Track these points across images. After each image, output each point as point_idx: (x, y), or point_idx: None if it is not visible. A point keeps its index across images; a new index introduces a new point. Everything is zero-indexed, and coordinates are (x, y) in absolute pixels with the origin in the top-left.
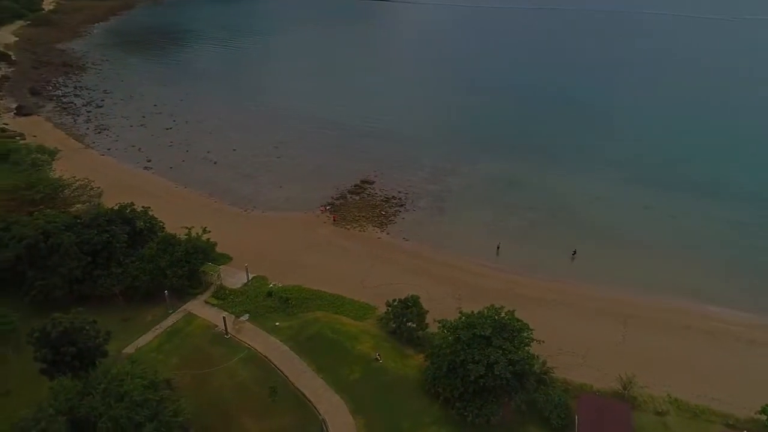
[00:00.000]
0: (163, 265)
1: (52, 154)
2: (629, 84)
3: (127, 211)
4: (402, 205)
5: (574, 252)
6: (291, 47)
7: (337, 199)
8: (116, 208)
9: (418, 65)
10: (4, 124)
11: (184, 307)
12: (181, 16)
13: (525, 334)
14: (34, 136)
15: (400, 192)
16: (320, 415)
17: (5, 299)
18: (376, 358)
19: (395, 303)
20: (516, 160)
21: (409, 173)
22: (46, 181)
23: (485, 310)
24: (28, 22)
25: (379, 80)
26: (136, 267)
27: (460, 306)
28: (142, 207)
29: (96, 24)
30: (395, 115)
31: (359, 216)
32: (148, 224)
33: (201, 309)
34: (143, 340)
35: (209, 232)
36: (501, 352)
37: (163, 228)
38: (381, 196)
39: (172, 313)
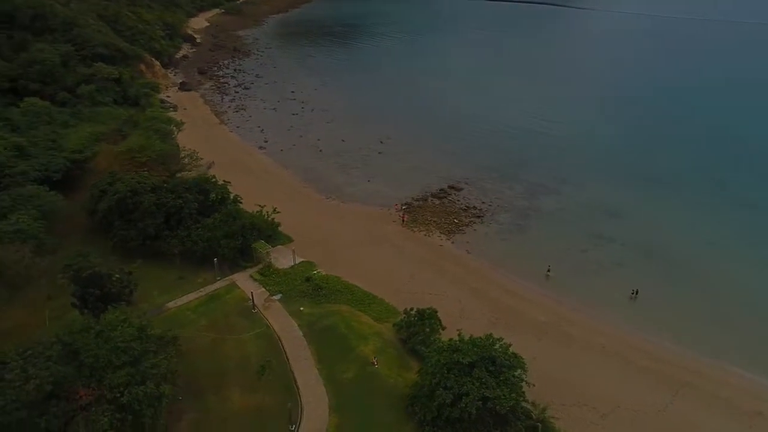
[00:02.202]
0: (219, 236)
1: (178, 125)
2: None
3: (206, 182)
4: (480, 217)
5: (635, 292)
6: (450, 47)
7: (418, 200)
8: (196, 179)
9: (565, 71)
10: (166, 96)
11: (231, 277)
12: (355, 10)
13: (514, 373)
14: (185, 109)
15: (483, 203)
16: (300, 403)
17: (98, 242)
18: (372, 363)
19: (412, 312)
20: (631, 188)
21: (504, 185)
22: (155, 147)
23: (479, 338)
24: (223, 10)
25: (515, 85)
26: (197, 233)
27: (491, 330)
28: (223, 181)
29: (276, 15)
30: (516, 122)
31: (431, 220)
32: (220, 196)
33: (244, 281)
34: (187, 298)
35: (278, 212)
36: (478, 384)
37: (240, 202)
38: (462, 203)
39: (219, 280)
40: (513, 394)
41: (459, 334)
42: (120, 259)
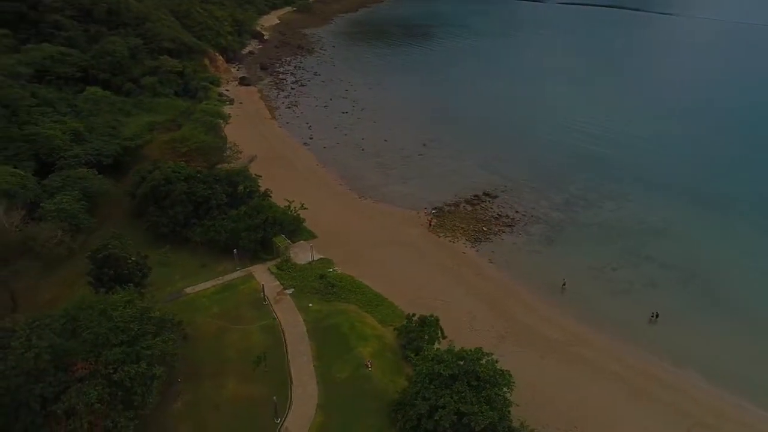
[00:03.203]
0: (241, 228)
1: (225, 118)
2: None
3: (236, 175)
4: (510, 226)
5: (655, 315)
6: (516, 51)
7: (450, 205)
8: (227, 171)
9: (634, 79)
10: (225, 90)
11: (250, 268)
12: (425, 11)
13: (497, 390)
14: (241, 103)
15: (517, 212)
16: (290, 397)
17: (136, 225)
18: (366, 365)
19: (415, 318)
20: (683, 207)
21: (542, 195)
22: (196, 138)
23: (467, 351)
24: (294, 8)
25: (578, 92)
26: (221, 224)
27: (499, 344)
28: (255, 175)
29: (345, 14)
30: (569, 131)
31: (458, 226)
32: (248, 189)
33: (261, 274)
34: (204, 285)
35: (306, 209)
36: (456, 398)
37: (270, 196)
38: (495, 211)
39: (238, 270)
40: (492, 412)
41: (449, 345)
42: (150, 244)
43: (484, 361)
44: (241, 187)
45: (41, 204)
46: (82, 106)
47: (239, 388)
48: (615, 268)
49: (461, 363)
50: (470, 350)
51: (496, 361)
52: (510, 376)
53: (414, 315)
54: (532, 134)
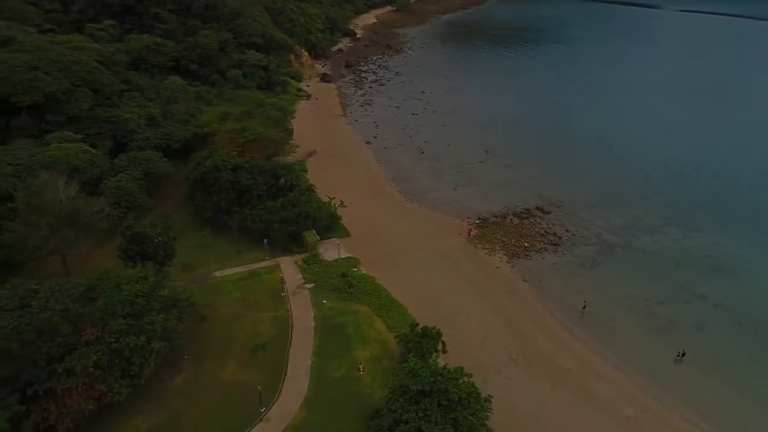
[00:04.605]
0: (274, 219)
1: (290, 113)
2: None
3: (281, 168)
4: (556, 245)
5: (682, 354)
6: (618, 60)
7: (497, 216)
8: (271, 163)
9: (744, 97)
10: (306, 85)
11: (278, 259)
12: (525, 15)
13: (467, 414)
14: (317, 99)
15: (567, 231)
16: (280, 389)
17: (186, 208)
18: (358, 368)
19: (418, 328)
20: (759, 244)
21: (599, 216)
22: (253, 130)
23: (448, 369)
24: (394, 8)
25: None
26: (257, 214)
27: (507, 367)
28: (301, 169)
29: (443, 15)
30: (647, 149)
31: (500, 239)
32: (289, 183)
33: (287, 266)
34: (233, 270)
35: (345, 206)
36: (421, 415)
37: (314, 191)
38: (543, 228)
39: (267, 260)
40: None
41: (434, 359)
42: (194, 227)
43: (461, 381)
44: (282, 180)
45: (103, 181)
46: (162, 93)
47: (236, 373)
48: (661, 302)
49: (433, 380)
50: (451, 369)
51: (473, 381)
52: (488, 402)
53: (418, 325)
54: (608, 151)
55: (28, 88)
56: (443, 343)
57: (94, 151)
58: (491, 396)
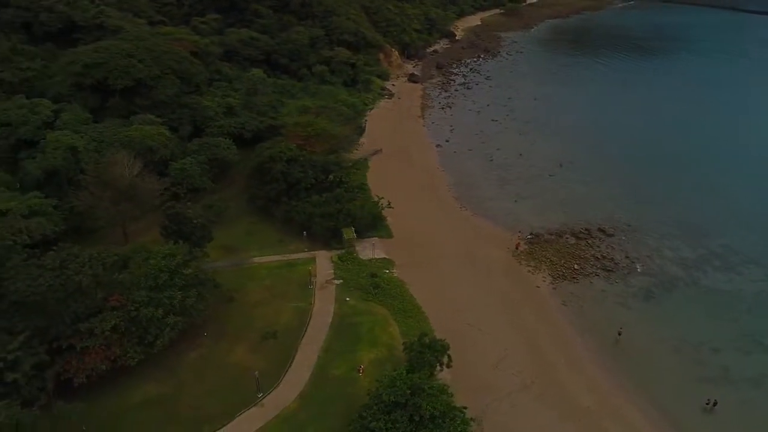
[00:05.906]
0: (316, 213)
1: (359, 110)
2: None
3: (333, 164)
4: (610, 271)
5: (713, 403)
6: (737, 76)
7: (552, 233)
8: (324, 159)
9: None
10: (391, 84)
11: (315, 252)
12: (645, 21)
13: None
14: (399, 99)
15: (627, 257)
16: (281, 378)
17: (243, 194)
18: (358, 370)
19: (425, 338)
20: None
21: (668, 245)
22: (315, 125)
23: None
24: (502, 11)
25: None
26: (301, 206)
27: (519, 392)
28: (353, 167)
29: (553, 20)
30: (749, 177)
31: (548, 258)
32: (338, 179)
33: (322, 260)
34: (271, 258)
35: (392, 207)
36: (389, 426)
37: (364, 188)
38: (600, 251)
39: (305, 251)
40: None
41: (436, 372)
42: (246, 213)
43: (442, 398)
44: (331, 176)
45: (170, 162)
46: (244, 84)
47: (244, 356)
48: (715, 349)
49: (410, 393)
50: (433, 384)
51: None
52: (467, 424)
53: (426, 335)
54: (704, 178)
55: (122, 73)
56: (449, 357)
57: (168, 133)
58: (473, 418)
